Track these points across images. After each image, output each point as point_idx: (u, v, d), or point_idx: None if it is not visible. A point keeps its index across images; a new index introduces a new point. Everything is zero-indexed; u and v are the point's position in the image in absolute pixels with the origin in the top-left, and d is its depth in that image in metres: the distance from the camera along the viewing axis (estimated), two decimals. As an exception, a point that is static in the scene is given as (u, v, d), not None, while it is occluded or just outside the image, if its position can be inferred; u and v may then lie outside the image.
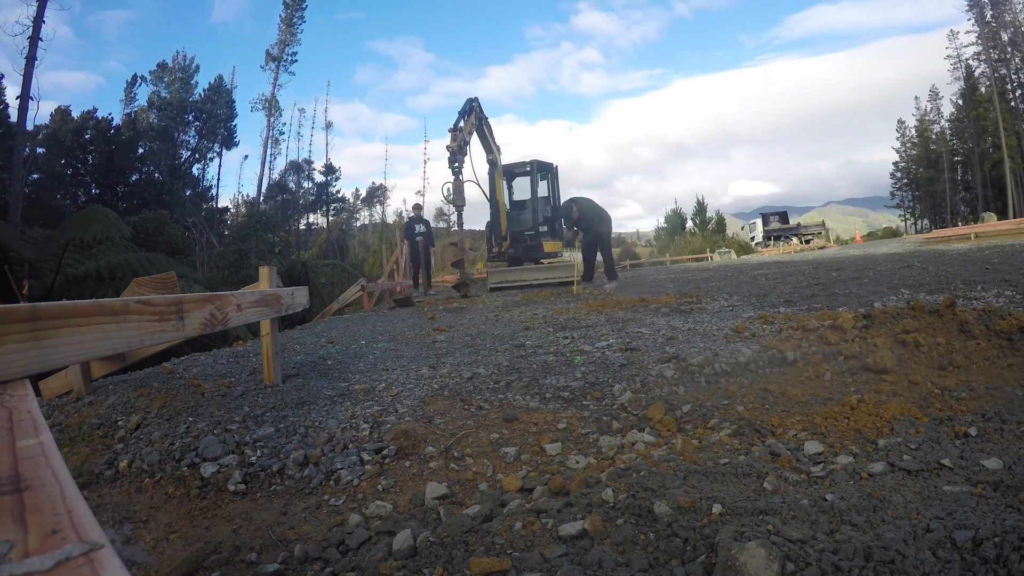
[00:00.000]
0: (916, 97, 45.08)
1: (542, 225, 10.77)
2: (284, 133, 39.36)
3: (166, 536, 1.50)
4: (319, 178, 40.62)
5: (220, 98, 34.59)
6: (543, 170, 11.20)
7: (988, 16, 35.45)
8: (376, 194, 48.96)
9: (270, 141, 37.18)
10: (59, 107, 28.79)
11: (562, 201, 11.67)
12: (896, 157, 46.76)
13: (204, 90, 34.64)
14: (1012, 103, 34.52)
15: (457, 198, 8.21)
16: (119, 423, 2.15)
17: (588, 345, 3.16)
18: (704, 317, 3.86)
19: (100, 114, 29.44)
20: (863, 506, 1.09)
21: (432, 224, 7.59)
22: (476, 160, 10.00)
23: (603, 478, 1.37)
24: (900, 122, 47.06)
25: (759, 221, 31.09)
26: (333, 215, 41.59)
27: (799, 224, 30.02)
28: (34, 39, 16.67)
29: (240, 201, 39.33)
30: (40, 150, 26.91)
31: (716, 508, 1.11)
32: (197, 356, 3.77)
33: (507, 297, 7.53)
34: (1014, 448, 1.33)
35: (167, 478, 1.77)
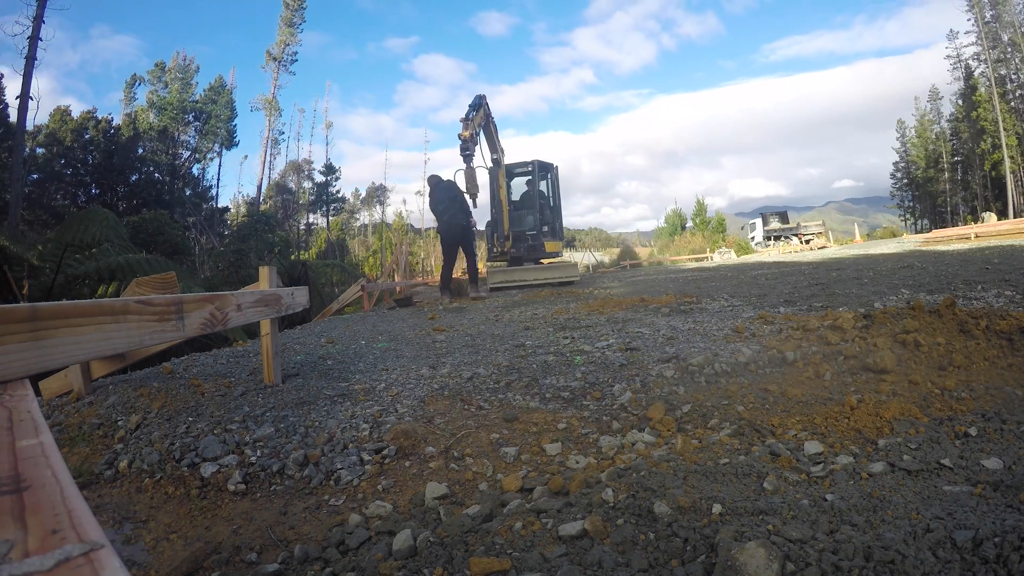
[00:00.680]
0: (916, 97, 45.14)
1: (543, 225, 10.78)
2: (284, 133, 39.42)
3: (166, 536, 1.50)
4: (319, 178, 40.65)
5: (220, 98, 34.60)
6: (544, 170, 11.20)
7: (988, 16, 35.45)
8: (376, 194, 48.97)
9: (270, 141, 37.19)
10: (59, 107, 28.80)
11: (561, 202, 11.70)
12: (896, 157, 46.80)
13: (204, 90, 34.66)
14: (1012, 103, 34.52)
15: (471, 186, 8.18)
16: (119, 423, 2.15)
17: (588, 345, 3.16)
18: (704, 317, 3.86)
19: (100, 114, 29.49)
20: (863, 506, 1.09)
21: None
22: (486, 152, 9.99)
23: (603, 478, 1.37)
24: (900, 122, 47.09)
25: (759, 221, 31.05)
26: (333, 215, 41.59)
27: (799, 224, 29.99)
28: (34, 39, 16.67)
29: (240, 201, 39.37)
30: (40, 150, 26.91)
31: (716, 508, 1.11)
32: (197, 356, 3.77)
33: (507, 297, 7.53)
34: (1014, 448, 1.33)
35: (167, 478, 1.77)
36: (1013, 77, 35.00)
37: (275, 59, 36.23)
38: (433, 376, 2.72)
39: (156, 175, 30.18)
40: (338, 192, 41.61)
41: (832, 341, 2.37)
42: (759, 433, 1.64)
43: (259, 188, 37.17)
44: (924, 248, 10.92)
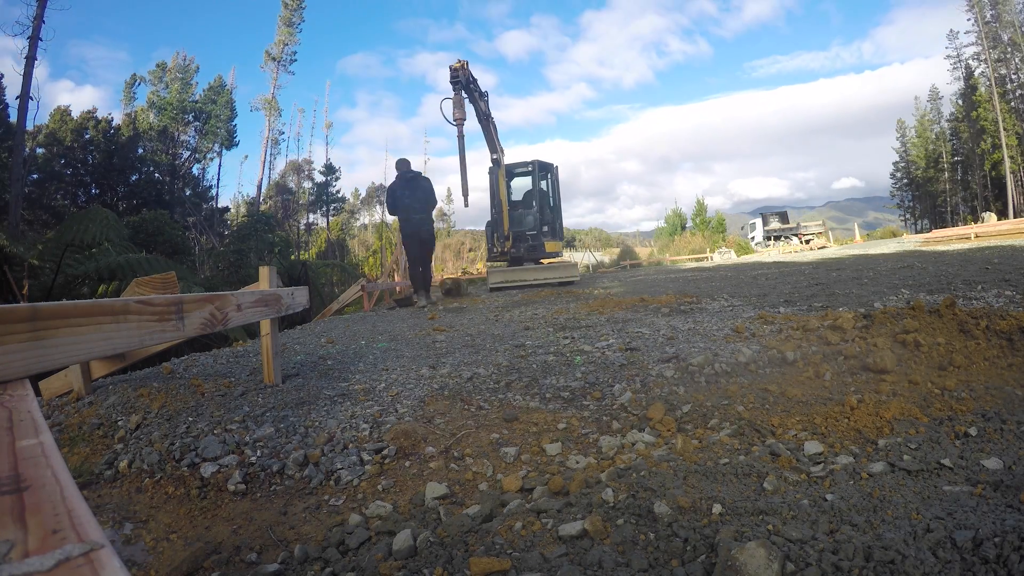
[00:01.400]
0: (916, 97, 45.15)
1: (543, 225, 10.78)
2: (284, 133, 39.42)
3: (166, 536, 1.50)
4: (319, 178, 40.64)
5: (220, 98, 34.59)
6: (544, 170, 11.19)
7: (988, 16, 35.45)
8: (376, 194, 48.95)
9: (270, 141, 37.18)
10: (59, 107, 28.78)
11: (561, 202, 11.68)
12: (896, 157, 46.81)
13: (204, 90, 34.65)
14: (1012, 103, 34.52)
15: (457, 111, 8.28)
16: (119, 423, 2.15)
17: (588, 345, 3.16)
18: (704, 317, 3.86)
19: (100, 114, 29.47)
20: (863, 506, 1.09)
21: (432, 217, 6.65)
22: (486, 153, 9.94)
23: (603, 478, 1.37)
24: (900, 122, 47.11)
25: (759, 221, 31.03)
26: (333, 215, 41.57)
27: (799, 224, 29.97)
28: (34, 39, 16.66)
29: (240, 201, 39.34)
30: (40, 150, 26.90)
31: (716, 508, 1.11)
32: (197, 356, 3.77)
33: (507, 297, 7.53)
34: (1014, 448, 1.33)
35: (167, 478, 1.77)
36: (1013, 77, 35.00)
37: (274, 59, 36.20)
38: (433, 376, 2.72)
39: (156, 175, 30.15)
40: (338, 192, 41.62)
41: (832, 341, 2.37)
42: (759, 433, 1.64)
43: (259, 188, 37.18)
44: (924, 248, 10.92)
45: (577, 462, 1.63)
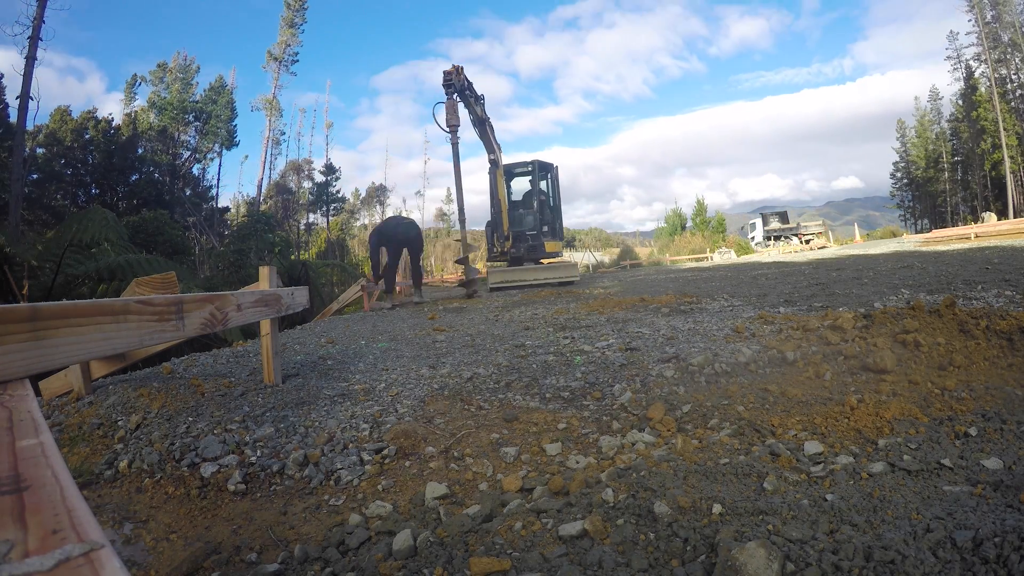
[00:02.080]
0: (916, 97, 45.16)
1: (543, 225, 10.77)
2: (285, 133, 39.39)
3: (166, 536, 1.50)
4: (319, 178, 40.63)
5: (221, 98, 34.58)
6: (544, 170, 11.19)
7: (988, 16, 35.45)
8: (376, 194, 48.93)
9: (271, 141, 37.17)
10: (59, 107, 28.77)
11: (561, 202, 11.67)
12: (896, 157, 46.82)
13: (204, 90, 34.65)
14: (1012, 103, 34.51)
15: (451, 117, 8.20)
16: (119, 423, 2.15)
17: (588, 345, 3.16)
18: (704, 317, 3.86)
19: (100, 114, 29.46)
20: (863, 506, 1.09)
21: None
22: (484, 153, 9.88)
23: (603, 478, 1.37)
24: (900, 122, 47.11)
25: (759, 221, 31.02)
26: (333, 215, 41.55)
27: (799, 224, 29.95)
28: (34, 39, 16.65)
29: (240, 201, 39.32)
30: (40, 150, 26.89)
31: (716, 508, 1.11)
32: (197, 356, 3.77)
33: (507, 297, 7.53)
34: (1014, 448, 1.33)
35: (167, 478, 1.77)
36: (1013, 77, 34.99)
37: (276, 59, 36.19)
38: (433, 376, 2.72)
39: (156, 175, 30.14)
40: (338, 192, 41.60)
41: (832, 341, 2.37)
42: (759, 433, 1.64)
43: (259, 188, 37.16)
44: (924, 248, 10.91)
45: (577, 462, 1.63)
